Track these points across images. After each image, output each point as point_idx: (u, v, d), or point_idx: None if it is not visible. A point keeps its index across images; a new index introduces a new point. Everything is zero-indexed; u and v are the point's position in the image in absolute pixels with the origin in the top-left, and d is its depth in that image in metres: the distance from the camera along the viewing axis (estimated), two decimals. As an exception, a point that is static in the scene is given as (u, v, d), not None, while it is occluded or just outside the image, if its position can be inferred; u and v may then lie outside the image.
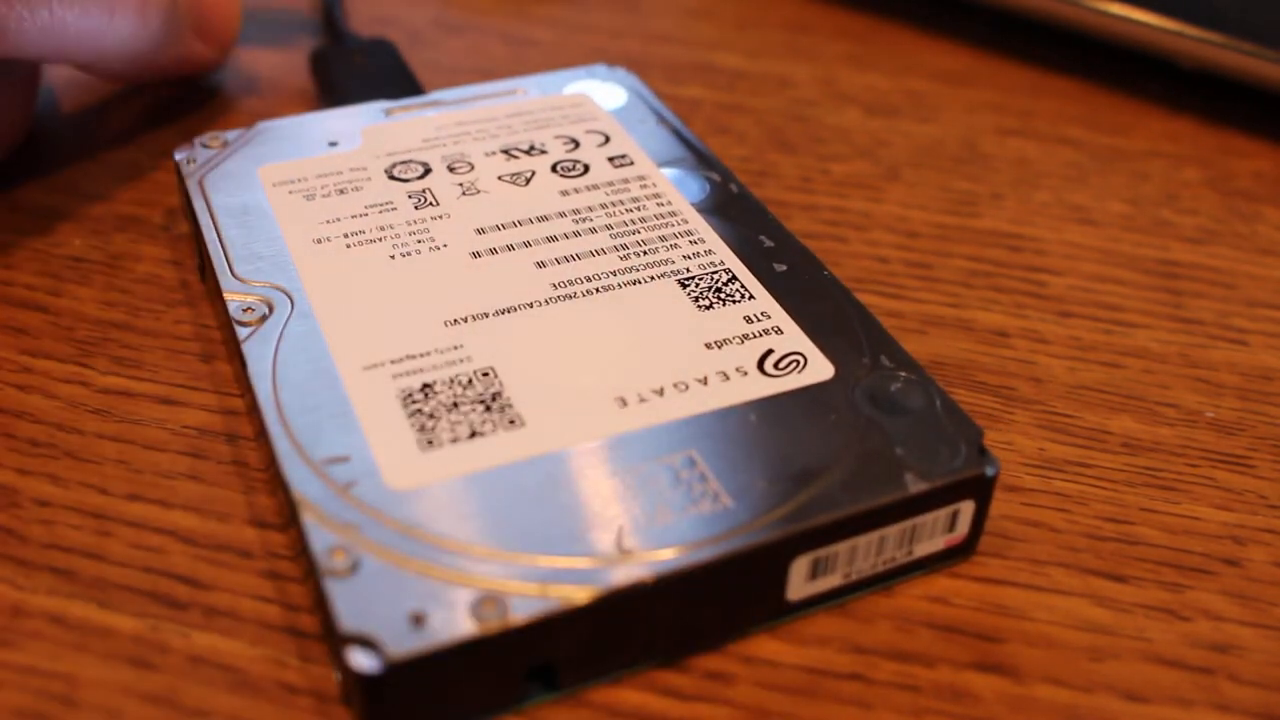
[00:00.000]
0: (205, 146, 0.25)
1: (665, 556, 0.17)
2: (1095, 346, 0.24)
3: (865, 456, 0.18)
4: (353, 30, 0.33)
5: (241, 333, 0.20)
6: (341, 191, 0.24)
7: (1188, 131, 0.31)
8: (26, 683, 0.17)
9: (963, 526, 0.19)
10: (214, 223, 0.23)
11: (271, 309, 0.21)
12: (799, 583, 0.18)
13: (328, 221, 0.23)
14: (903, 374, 0.20)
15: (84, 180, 0.27)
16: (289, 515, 0.18)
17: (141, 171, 0.28)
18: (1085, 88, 0.33)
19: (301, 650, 0.18)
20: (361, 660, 0.16)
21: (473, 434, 0.19)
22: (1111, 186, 0.29)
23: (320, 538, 0.17)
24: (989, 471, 0.18)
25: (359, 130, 0.26)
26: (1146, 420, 0.22)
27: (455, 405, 0.19)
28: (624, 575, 0.17)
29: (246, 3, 0.30)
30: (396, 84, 0.29)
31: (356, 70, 0.30)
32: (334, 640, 0.16)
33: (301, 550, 0.18)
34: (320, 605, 0.17)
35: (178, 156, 0.25)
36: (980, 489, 0.19)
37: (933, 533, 0.19)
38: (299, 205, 0.23)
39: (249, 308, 0.21)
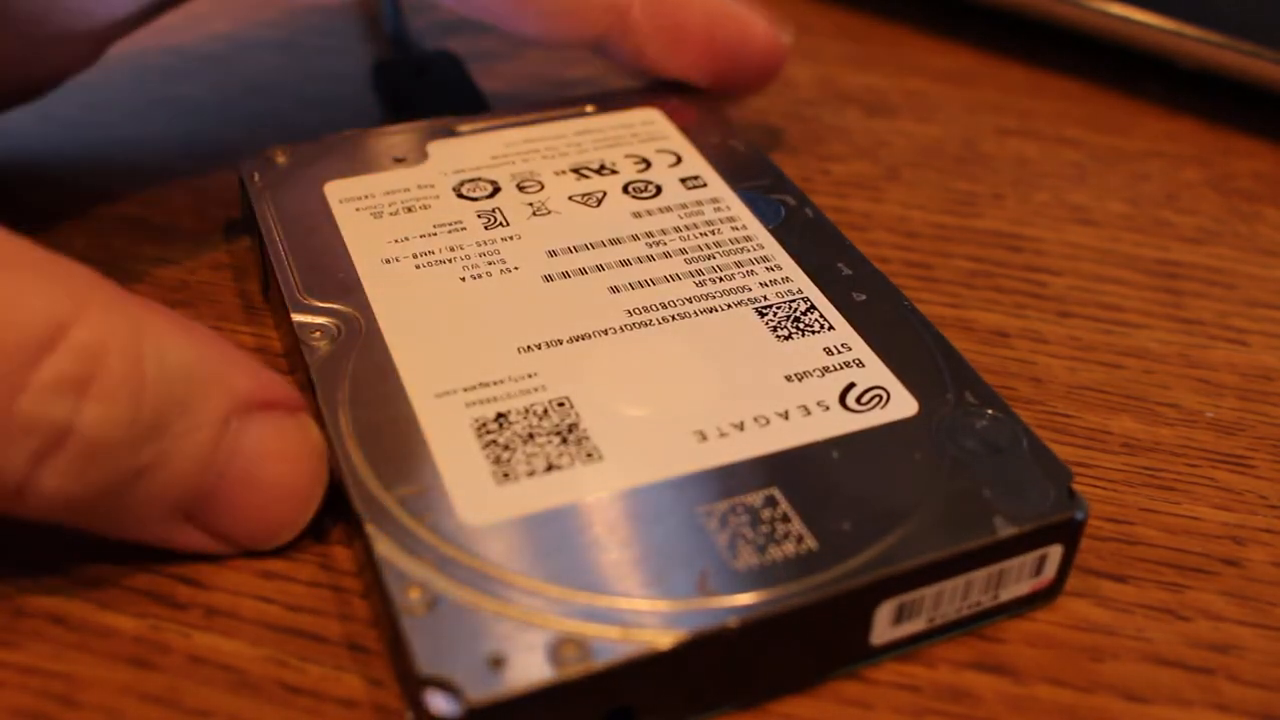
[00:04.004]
0: (270, 160, 0.24)
1: (749, 601, 0.16)
2: (1095, 346, 0.24)
3: (952, 498, 0.18)
4: (416, 41, 0.32)
5: (310, 355, 0.20)
6: (409, 209, 0.23)
7: (1188, 131, 0.31)
8: (27, 683, 0.17)
9: (1050, 570, 0.18)
10: (280, 239, 0.22)
11: (341, 331, 0.20)
12: (883, 628, 0.17)
13: (396, 240, 0.22)
14: (989, 411, 0.19)
15: (85, 180, 0.27)
16: (356, 545, 0.18)
17: (142, 172, 0.28)
18: (1085, 88, 0.33)
19: (301, 650, 0.18)
20: (441, 704, 0.15)
21: (549, 467, 0.18)
22: (1111, 186, 0.29)
23: (395, 574, 0.16)
24: (1078, 515, 0.18)
25: (425, 146, 0.25)
26: (1146, 420, 0.22)
27: (531, 436, 0.18)
28: (707, 620, 0.16)
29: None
30: (462, 98, 0.28)
31: (421, 83, 0.29)
32: (410, 681, 0.16)
33: (373, 585, 0.17)
34: (393, 642, 0.17)
35: (242, 169, 0.24)
36: (1070, 533, 0.18)
37: (1019, 577, 0.18)
38: (366, 223, 0.23)
39: (318, 329, 0.20)
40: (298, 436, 0.18)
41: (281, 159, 0.24)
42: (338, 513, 0.20)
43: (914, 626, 0.18)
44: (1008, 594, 0.18)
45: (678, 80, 0.27)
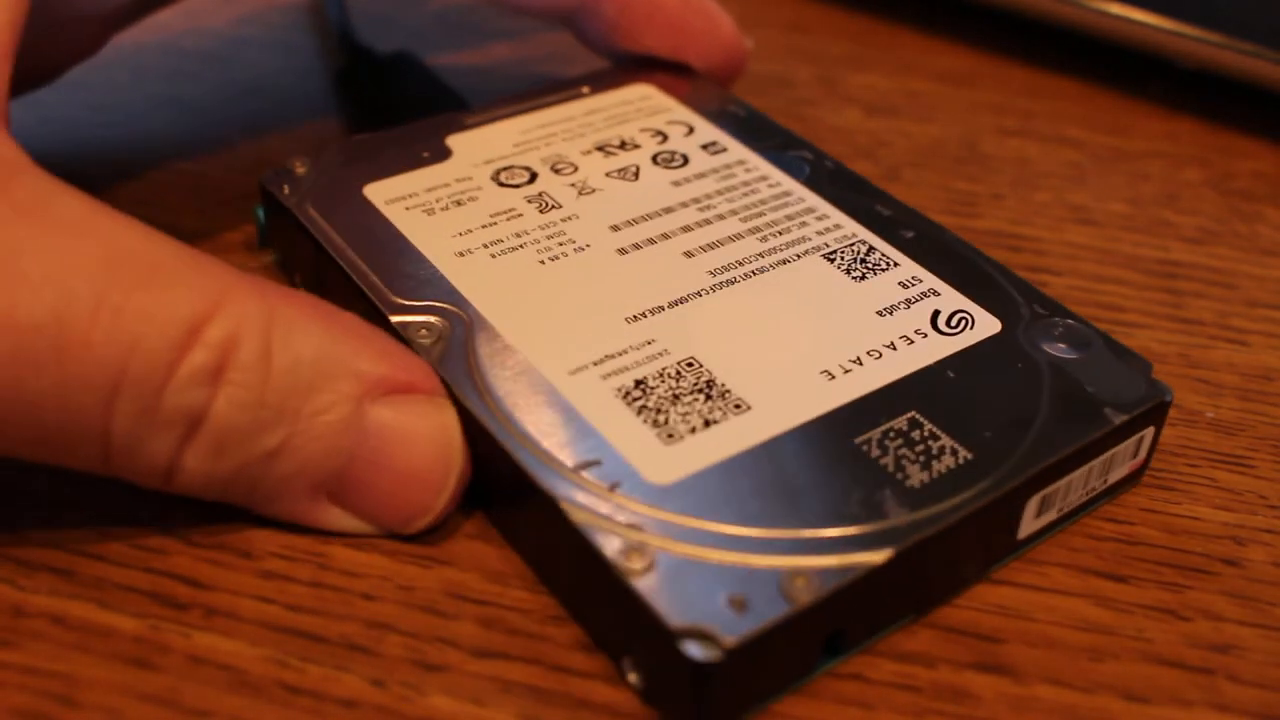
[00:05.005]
0: (290, 171, 0.24)
1: (934, 512, 0.18)
2: (1095, 346, 0.24)
3: (1062, 397, 0.19)
4: (368, 45, 0.31)
5: (427, 356, 0.20)
6: (458, 203, 0.23)
7: (1188, 131, 0.31)
8: (27, 683, 0.17)
9: (1143, 451, 0.20)
10: (345, 246, 0.22)
11: (448, 327, 0.20)
12: (1029, 521, 0.19)
13: (460, 234, 0.22)
14: (1066, 320, 0.21)
15: (85, 180, 0.27)
16: (533, 527, 0.18)
17: (142, 172, 0.28)
18: (1085, 88, 0.33)
19: (301, 650, 0.18)
20: (701, 652, 0.16)
21: (707, 423, 0.19)
22: (1111, 186, 0.29)
23: (608, 542, 0.17)
24: (1167, 398, 0.20)
25: (444, 141, 0.25)
26: (1146, 420, 0.22)
27: (676, 398, 0.19)
28: (907, 534, 0.17)
29: (250, 5, 0.30)
30: (436, 94, 0.28)
31: (395, 86, 0.29)
32: (648, 640, 0.17)
33: (567, 562, 0.18)
34: (608, 610, 0.17)
35: (266, 183, 0.23)
36: (1159, 415, 0.20)
37: (1123, 460, 0.20)
38: (422, 221, 0.23)
39: (422, 328, 0.20)
40: (427, 421, 0.19)
41: (301, 169, 0.24)
42: (472, 505, 0.20)
43: (1049, 517, 0.19)
44: (1114, 477, 0.20)
45: (647, 58, 0.27)
